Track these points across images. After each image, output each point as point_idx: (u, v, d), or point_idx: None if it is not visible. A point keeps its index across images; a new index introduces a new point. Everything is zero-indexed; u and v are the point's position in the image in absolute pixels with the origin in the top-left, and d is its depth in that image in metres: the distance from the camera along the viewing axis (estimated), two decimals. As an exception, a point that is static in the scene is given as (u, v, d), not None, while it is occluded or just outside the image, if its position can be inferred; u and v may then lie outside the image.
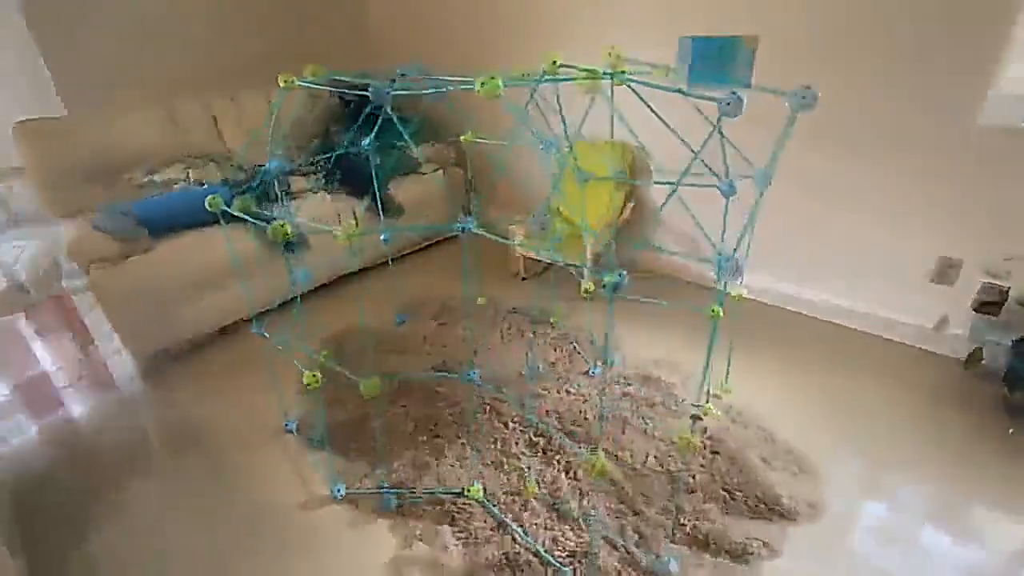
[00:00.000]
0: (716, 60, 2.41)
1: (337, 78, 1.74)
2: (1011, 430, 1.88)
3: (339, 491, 1.67)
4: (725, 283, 1.62)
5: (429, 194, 3.35)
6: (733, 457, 1.72)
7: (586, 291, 1.88)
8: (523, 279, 3.06)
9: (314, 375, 1.56)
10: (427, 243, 3.54)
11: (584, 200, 2.82)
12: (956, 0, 1.85)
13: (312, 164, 3.17)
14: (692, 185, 1.60)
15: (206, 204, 1.59)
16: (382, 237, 2.51)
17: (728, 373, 2.04)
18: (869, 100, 2.11)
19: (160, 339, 2.41)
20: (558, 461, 1.72)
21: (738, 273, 1.10)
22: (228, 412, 2.12)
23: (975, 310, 2.14)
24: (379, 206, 2.76)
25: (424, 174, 3.39)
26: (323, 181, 3.05)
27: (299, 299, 1.76)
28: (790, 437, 1.83)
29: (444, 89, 1.36)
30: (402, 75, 1.92)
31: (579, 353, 2.31)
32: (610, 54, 1.21)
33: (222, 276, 2.49)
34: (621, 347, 2.36)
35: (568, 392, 2.06)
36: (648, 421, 1.90)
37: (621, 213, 2.86)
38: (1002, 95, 1.88)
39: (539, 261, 3.02)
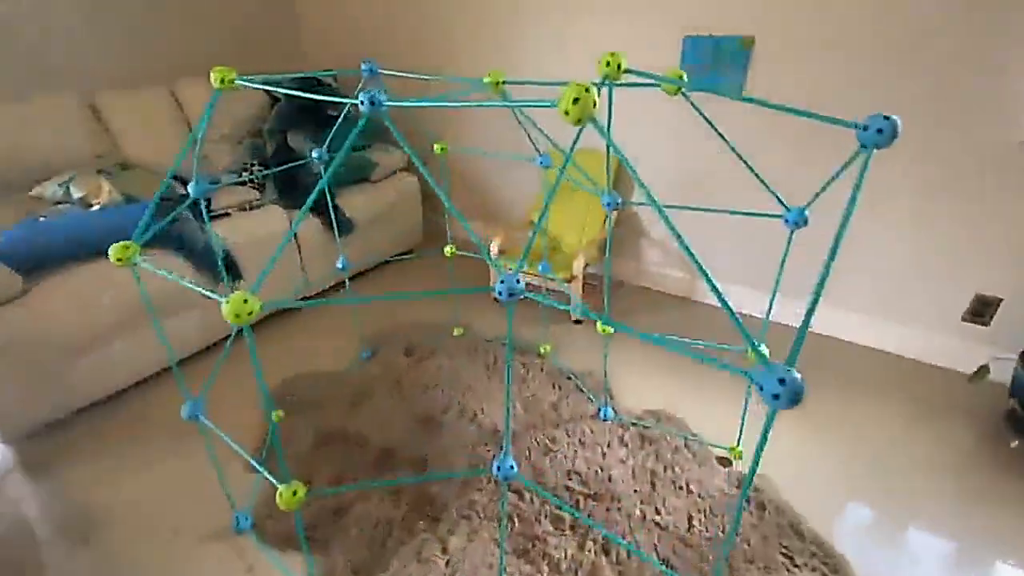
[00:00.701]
0: (708, 61, 2.23)
1: (291, 77, 1.33)
2: (1014, 443, 1.87)
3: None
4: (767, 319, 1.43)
5: (384, 205, 2.93)
6: (781, 508, 1.55)
7: (603, 329, 1.62)
8: (497, 299, 2.75)
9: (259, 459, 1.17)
10: (388, 259, 3.11)
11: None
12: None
13: (246, 170, 2.63)
14: (753, 214, 1.39)
15: (111, 257, 1.12)
16: (339, 265, 2.09)
17: (742, 430, 1.76)
18: (887, 112, 2.00)
19: (41, 411, 1.84)
20: (594, 541, 1.45)
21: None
22: (142, 501, 1.64)
23: (964, 320, 2.14)
24: (334, 224, 2.32)
25: (376, 182, 2.96)
26: (258, 193, 2.54)
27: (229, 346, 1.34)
28: (813, 518, 1.68)
29: (465, 103, 1.02)
30: (370, 72, 1.53)
31: (582, 391, 2.05)
32: (608, 63, 0.94)
33: (128, 320, 1.95)
34: (620, 377, 2.13)
35: (581, 443, 1.79)
36: (677, 470, 1.69)
37: (604, 223, 2.64)
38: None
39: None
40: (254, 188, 2.59)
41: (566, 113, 0.68)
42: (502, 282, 0.84)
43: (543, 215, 0.89)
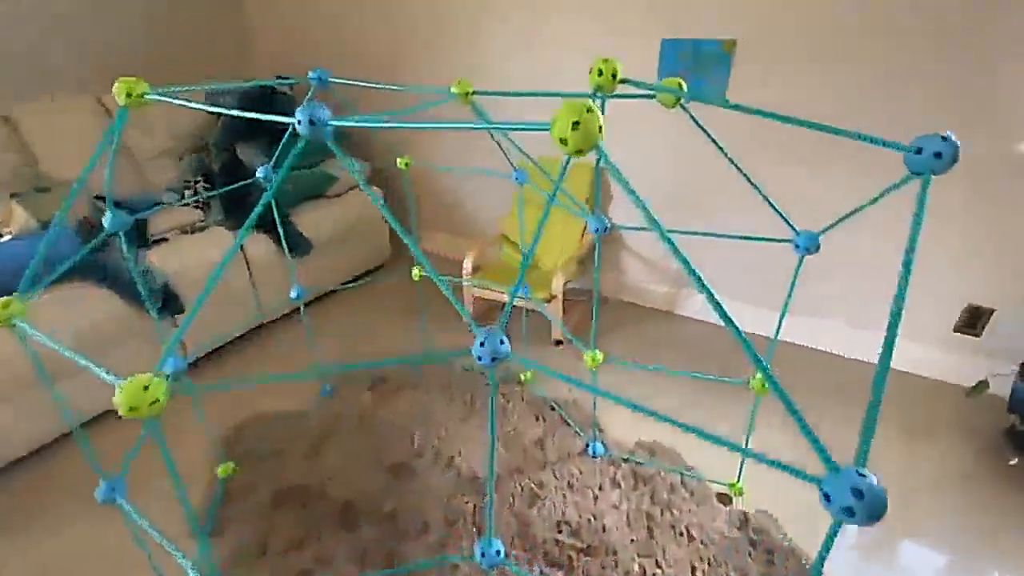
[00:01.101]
0: (688, 66, 2.11)
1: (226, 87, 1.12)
2: (1013, 461, 1.81)
3: None
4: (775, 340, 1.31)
5: (345, 221, 2.71)
6: (790, 553, 1.42)
7: (592, 360, 1.48)
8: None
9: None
10: (345, 283, 2.88)
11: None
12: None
13: (189, 188, 2.37)
14: (760, 239, 1.25)
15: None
16: (292, 295, 1.87)
17: (743, 465, 1.63)
18: (872, 117, 1.91)
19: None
20: (592, 606, 1.29)
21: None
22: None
23: (955, 330, 2.08)
24: (284, 244, 2.10)
25: (336, 196, 2.74)
26: (202, 213, 2.29)
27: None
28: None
29: (431, 124, 0.85)
30: (319, 82, 1.34)
31: (568, 424, 1.89)
32: (601, 71, 0.79)
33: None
34: (607, 403, 1.98)
35: (571, 486, 1.63)
36: (675, 512, 1.54)
37: (582, 237, 2.50)
38: None
39: (490, 300, 2.54)
40: (198, 208, 2.34)
41: (563, 142, 0.51)
42: (482, 344, 0.67)
43: (531, 248, 0.72)
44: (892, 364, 2.21)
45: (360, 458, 1.74)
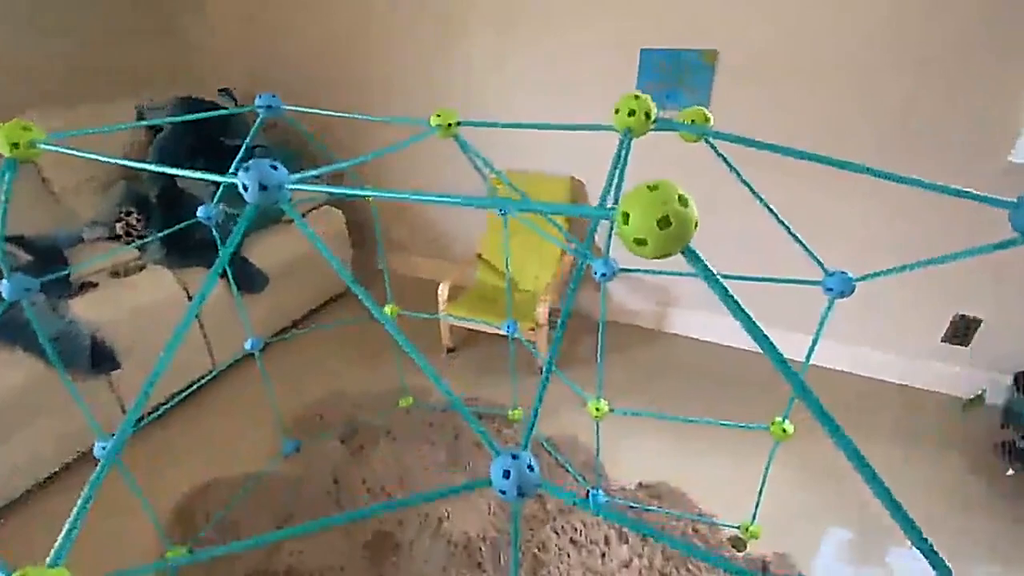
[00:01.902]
0: (668, 77, 2.00)
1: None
2: (1009, 472, 1.79)
3: None
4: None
5: (303, 248, 2.47)
6: (814, 607, 1.32)
7: (596, 410, 1.33)
8: (450, 351, 2.38)
9: None
10: (304, 315, 2.63)
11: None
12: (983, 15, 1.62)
13: (120, 221, 2.08)
14: (789, 281, 1.13)
15: None
16: (247, 345, 1.63)
17: (758, 506, 1.42)
18: (860, 128, 1.85)
19: None
20: None
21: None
22: None
23: (944, 341, 2.06)
24: (237, 283, 1.86)
25: (288, 222, 2.49)
26: (138, 251, 2.01)
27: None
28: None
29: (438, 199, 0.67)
30: (268, 110, 1.13)
31: (565, 468, 1.74)
32: (633, 111, 0.64)
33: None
34: (606, 441, 1.84)
35: (574, 543, 1.48)
36: (691, 567, 1.42)
37: (563, 255, 2.36)
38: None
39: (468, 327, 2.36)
40: (130, 243, 2.06)
41: (639, 243, 0.35)
42: (507, 474, 0.52)
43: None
44: (882, 376, 2.18)
45: (333, 532, 1.53)
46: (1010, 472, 1.78)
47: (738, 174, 0.90)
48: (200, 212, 1.38)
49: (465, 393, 2.09)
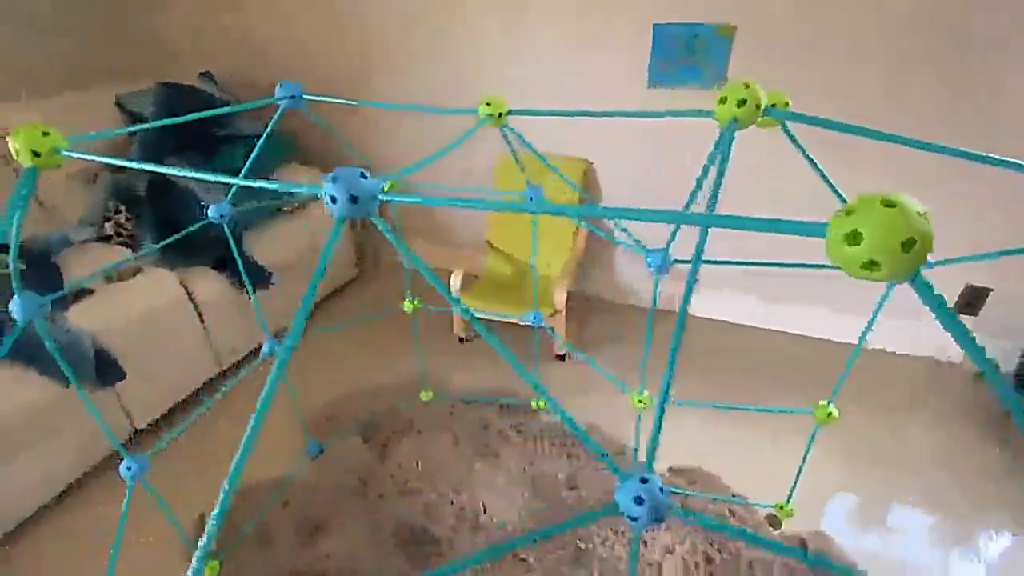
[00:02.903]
0: (683, 53, 1.94)
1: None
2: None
3: None
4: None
5: (305, 241, 2.37)
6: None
7: (640, 402, 1.31)
8: (462, 340, 2.34)
9: None
10: (323, 298, 2.55)
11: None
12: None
13: (109, 219, 1.95)
14: (824, 266, 1.11)
15: None
16: (264, 349, 1.55)
17: (795, 487, 1.43)
18: (870, 102, 1.82)
19: None
20: None
21: None
22: None
23: (955, 311, 2.10)
24: (248, 281, 1.77)
25: (289, 211, 2.38)
26: (131, 251, 1.89)
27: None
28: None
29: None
30: (291, 100, 1.04)
31: (599, 456, 1.73)
32: (744, 101, 0.58)
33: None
34: (630, 425, 1.84)
35: (617, 533, 1.48)
36: (732, 549, 1.43)
37: (576, 234, 2.31)
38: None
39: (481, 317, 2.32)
40: (123, 244, 1.94)
41: (871, 266, 0.31)
42: (639, 500, 0.49)
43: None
44: (894, 347, 2.21)
45: (367, 533, 1.50)
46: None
47: (812, 162, 0.86)
48: (212, 212, 1.29)
49: (484, 384, 2.05)
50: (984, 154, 0.70)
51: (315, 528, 1.53)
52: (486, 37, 2.20)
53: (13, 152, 0.63)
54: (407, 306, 1.76)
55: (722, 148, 0.57)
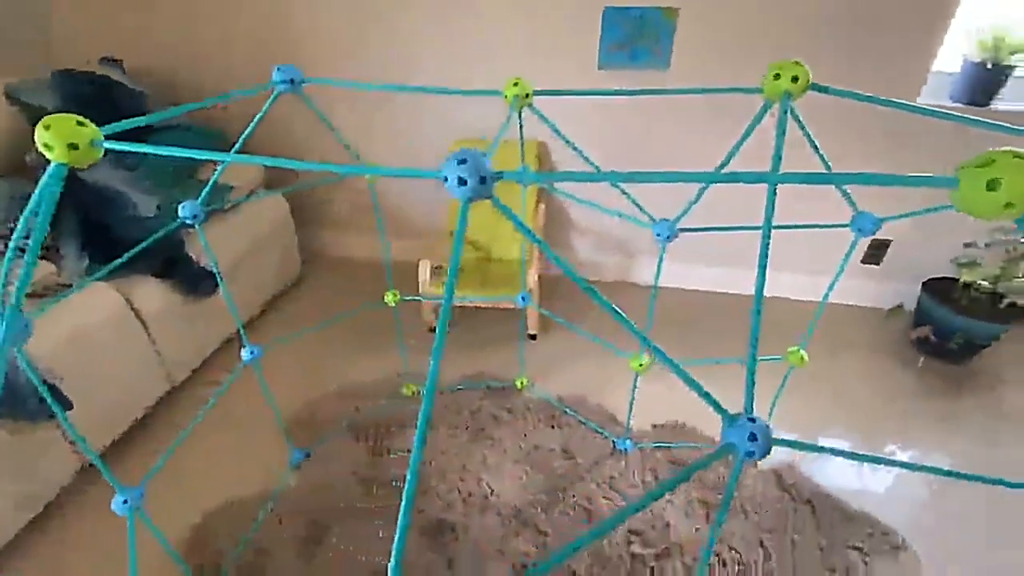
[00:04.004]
0: (631, 36, 2.03)
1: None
2: (920, 362, 2.20)
3: None
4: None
5: (248, 239, 2.20)
6: (826, 495, 1.56)
7: (640, 365, 1.41)
8: (432, 330, 2.31)
9: None
10: (261, 310, 2.37)
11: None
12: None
13: (12, 229, 1.68)
14: (820, 226, 1.24)
15: None
16: (244, 356, 1.45)
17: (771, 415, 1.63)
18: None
19: None
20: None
21: None
22: None
23: (863, 262, 2.44)
24: (192, 286, 1.62)
25: (224, 210, 2.19)
26: (54, 264, 1.65)
27: None
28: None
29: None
30: (289, 85, 0.98)
31: (584, 423, 1.81)
32: (796, 77, 0.63)
33: None
34: (606, 392, 1.95)
35: (616, 490, 1.58)
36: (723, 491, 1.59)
37: (536, 210, 2.36)
38: (937, 73, 1.95)
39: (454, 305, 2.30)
40: (41, 258, 1.69)
41: (1009, 205, 0.39)
42: (752, 434, 0.56)
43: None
44: (816, 297, 2.50)
45: (381, 526, 1.47)
46: (921, 362, 2.20)
47: (814, 145, 0.97)
48: (183, 211, 1.17)
49: (462, 371, 2.06)
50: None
51: (319, 537, 1.47)
52: (417, 19, 2.15)
53: (42, 147, 0.54)
54: (389, 298, 1.71)
55: (780, 122, 0.64)
